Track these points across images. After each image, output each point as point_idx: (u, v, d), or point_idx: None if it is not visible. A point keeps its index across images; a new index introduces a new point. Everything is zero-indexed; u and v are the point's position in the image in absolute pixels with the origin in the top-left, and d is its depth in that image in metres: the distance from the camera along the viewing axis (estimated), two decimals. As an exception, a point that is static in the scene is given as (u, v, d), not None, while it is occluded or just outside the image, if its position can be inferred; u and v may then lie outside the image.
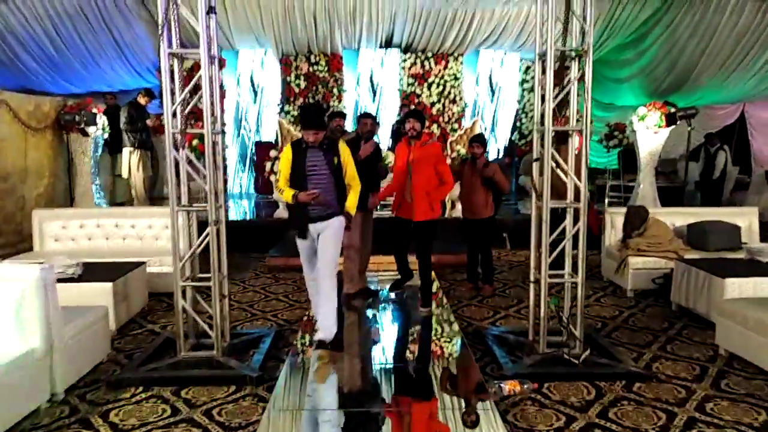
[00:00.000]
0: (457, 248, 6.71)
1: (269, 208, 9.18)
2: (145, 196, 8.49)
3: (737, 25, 9.95)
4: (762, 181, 10.56)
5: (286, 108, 11.13)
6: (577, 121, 3.97)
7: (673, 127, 8.21)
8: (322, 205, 4.03)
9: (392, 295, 5.52)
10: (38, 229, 6.16)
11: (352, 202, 4.19)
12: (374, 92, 11.54)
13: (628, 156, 10.15)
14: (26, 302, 3.26)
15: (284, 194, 4.08)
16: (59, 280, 4.51)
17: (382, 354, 4.24)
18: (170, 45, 3.78)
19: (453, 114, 11.41)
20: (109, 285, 4.60)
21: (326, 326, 4.08)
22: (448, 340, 4.52)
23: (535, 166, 4.09)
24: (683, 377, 3.82)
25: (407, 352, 4.42)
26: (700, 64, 10.84)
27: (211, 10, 3.80)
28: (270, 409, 3.20)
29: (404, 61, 11.30)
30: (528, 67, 11.88)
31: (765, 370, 3.78)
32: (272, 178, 8.22)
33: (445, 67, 11.36)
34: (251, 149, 11.61)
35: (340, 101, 11.25)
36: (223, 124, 10.94)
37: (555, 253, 3.96)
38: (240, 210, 10.18)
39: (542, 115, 3.95)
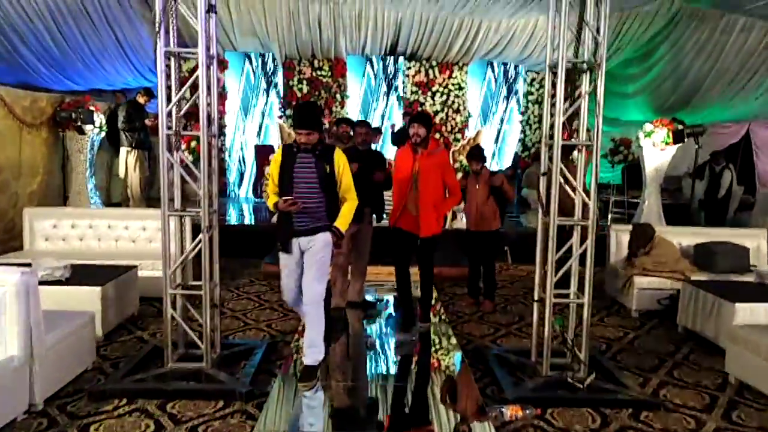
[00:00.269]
0: (458, 260, 6.56)
1: (268, 213, 9.02)
2: (141, 196, 8.33)
3: (745, 45, 9.85)
4: (767, 201, 10.42)
5: (288, 112, 11.00)
6: (588, 137, 3.82)
7: (680, 144, 8.08)
8: (310, 217, 3.64)
9: (389, 310, 5.36)
10: (29, 227, 6.00)
11: (344, 218, 3.72)
12: (377, 99, 11.42)
13: (633, 172, 10.01)
14: (5, 308, 3.10)
15: (269, 200, 3.79)
16: (46, 283, 4.41)
17: (378, 373, 4.07)
18: (168, 43, 3.64)
19: (456, 124, 11.29)
20: (97, 289, 4.44)
21: (313, 351, 3.68)
22: (448, 359, 4.36)
23: (543, 180, 3.94)
24: (692, 406, 3.66)
25: (405, 371, 4.24)
26: (706, 82, 10.73)
27: (211, 8, 3.66)
28: (257, 430, 3.02)
29: (408, 68, 11.19)
30: (533, 79, 11.78)
31: (778, 401, 3.63)
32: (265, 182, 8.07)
33: (450, 77, 11.26)
34: (252, 153, 11.48)
35: (342, 107, 11.14)
36: (224, 126, 10.89)
37: (561, 272, 3.81)
38: (238, 213, 10.02)
39: (550, 128, 3.81)
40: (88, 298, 4.39)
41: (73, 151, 7.74)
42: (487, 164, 5.64)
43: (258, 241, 7.53)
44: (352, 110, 11.31)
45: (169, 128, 3.69)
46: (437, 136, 11.16)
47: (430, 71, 11.19)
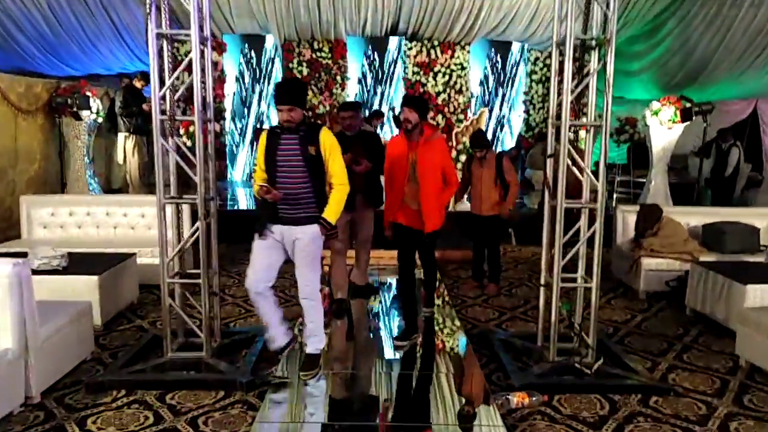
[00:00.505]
0: (462, 243, 6.45)
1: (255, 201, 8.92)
2: (141, 182, 8.23)
3: (754, 21, 9.61)
4: (775, 179, 10.27)
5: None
6: (599, 115, 3.68)
7: (688, 123, 7.91)
8: (295, 204, 3.33)
9: (393, 294, 5.28)
10: (26, 215, 5.91)
11: (332, 208, 3.37)
12: (379, 81, 11.25)
13: (639, 151, 9.86)
14: (-2, 299, 3.02)
15: (254, 186, 3.51)
16: (43, 272, 4.34)
17: (381, 360, 3.99)
18: (159, 25, 3.50)
19: (459, 104, 11.11)
20: (95, 278, 4.36)
21: (314, 340, 3.56)
22: (453, 344, 4.28)
23: (549, 162, 3.83)
24: (702, 391, 3.58)
25: (409, 357, 4.13)
26: (714, 59, 10.51)
27: (203, -13, 3.52)
28: (258, 420, 2.96)
29: (410, 49, 10.99)
30: (536, 58, 11.57)
31: (791, 385, 3.55)
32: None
33: (452, 57, 11.05)
34: (251, 136, 11.34)
35: (343, 89, 10.96)
36: (223, 110, 10.75)
37: (569, 256, 3.71)
38: (239, 198, 9.92)
39: (557, 108, 3.68)
40: (85, 287, 4.31)
41: (70, 137, 7.63)
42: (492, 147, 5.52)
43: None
44: (353, 92, 11.14)
45: (164, 113, 3.58)
46: (440, 117, 11.00)
47: (432, 51, 10.98)
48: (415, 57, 10.99)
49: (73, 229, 5.94)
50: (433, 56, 10.99)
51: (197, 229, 3.64)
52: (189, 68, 3.55)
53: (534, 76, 11.61)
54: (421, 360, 4.05)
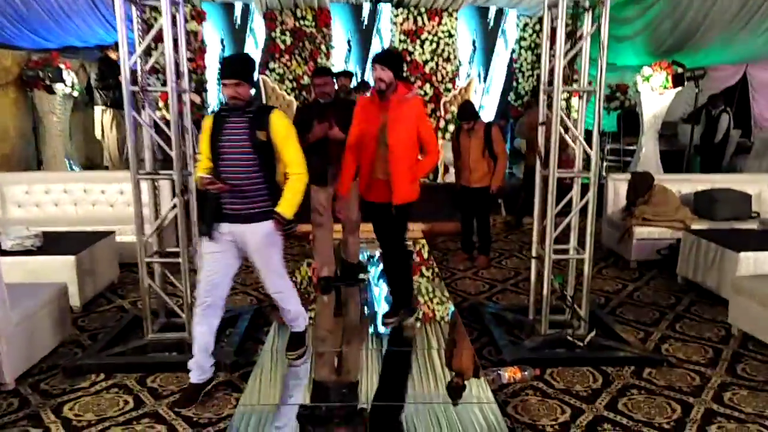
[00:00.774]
0: (451, 215, 6.34)
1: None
2: (120, 158, 7.99)
3: (746, -18, 9.41)
4: (765, 145, 10.21)
5: (271, 66, 10.54)
6: (589, 83, 3.54)
7: (680, 88, 7.77)
8: (243, 198, 2.91)
9: (381, 269, 5.17)
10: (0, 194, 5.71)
11: (288, 201, 2.95)
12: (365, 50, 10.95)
13: (629, 118, 9.73)
14: (-37, 284, 2.87)
15: (194, 177, 3.05)
16: (16, 254, 4.18)
17: (368, 338, 3.89)
18: (126, -12, 3.29)
19: (447, 73, 10.88)
20: (71, 258, 4.20)
21: (299, 321, 3.37)
22: (442, 318, 4.19)
23: (541, 130, 3.69)
24: (696, 361, 3.53)
25: (397, 333, 4.01)
26: (705, 23, 10.32)
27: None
28: (242, 403, 2.86)
29: (396, 16, 10.69)
30: (525, 24, 11.31)
31: (784, 353, 3.50)
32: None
33: (439, 24, 10.77)
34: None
35: (328, 58, 10.67)
36: (205, 82, 10.43)
37: (561, 228, 3.60)
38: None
39: (549, 73, 3.54)
40: (61, 267, 4.16)
41: (45, 112, 7.35)
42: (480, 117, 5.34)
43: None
44: (338, 61, 10.85)
45: (135, 84, 3.38)
46: (428, 86, 10.77)
47: (419, 18, 10.70)
48: (401, 25, 10.70)
49: (50, 208, 5.75)
50: (420, 24, 10.71)
51: (174, 205, 3.48)
52: (160, 36, 3.35)
53: (523, 43, 11.37)
54: (410, 336, 3.96)
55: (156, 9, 3.50)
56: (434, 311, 4.32)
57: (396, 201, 3.61)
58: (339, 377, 3.34)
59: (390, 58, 3.54)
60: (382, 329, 3.89)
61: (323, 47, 10.61)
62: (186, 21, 9.34)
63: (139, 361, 3.43)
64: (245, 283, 5.04)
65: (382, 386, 3.12)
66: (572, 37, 3.63)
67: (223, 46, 10.77)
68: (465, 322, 4.01)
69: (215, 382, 3.19)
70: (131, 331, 3.80)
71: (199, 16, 10.12)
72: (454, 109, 8.40)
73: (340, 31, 10.80)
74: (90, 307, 4.43)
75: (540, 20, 10.80)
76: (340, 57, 10.87)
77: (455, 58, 10.95)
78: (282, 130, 2.95)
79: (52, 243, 4.42)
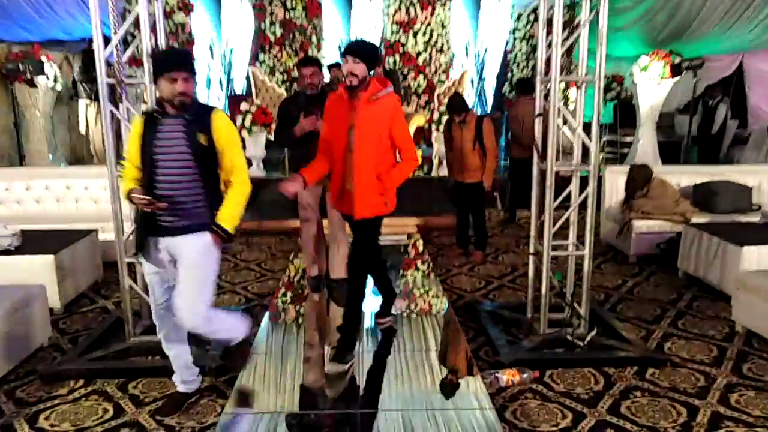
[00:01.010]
0: (445, 209, 6.19)
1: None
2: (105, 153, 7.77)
3: (744, -30, 9.27)
4: (762, 136, 10.10)
5: (261, 57, 10.34)
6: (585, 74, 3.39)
7: (677, 78, 7.64)
8: (180, 210, 2.57)
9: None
10: (-22, 192, 5.52)
11: (229, 211, 2.62)
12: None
13: (625, 109, 9.59)
14: (-72, 288, 2.70)
15: (122, 188, 2.67)
16: (-7, 253, 4.00)
17: (357, 340, 3.72)
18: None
19: (440, 64, 10.71)
20: (50, 258, 4.04)
21: (234, 337, 2.98)
22: (437, 316, 4.04)
23: (538, 122, 3.54)
24: (700, 360, 3.40)
25: (388, 336, 3.83)
26: (702, 12, 10.20)
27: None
28: (227, 411, 2.71)
29: (388, 7, 10.50)
30: (520, 15, 11.14)
31: (791, 352, 3.38)
32: (243, 133, 7.55)
33: (432, 14, 10.59)
34: (225, 103, 10.86)
35: (319, 50, 10.48)
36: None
37: (560, 223, 3.46)
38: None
39: (546, 63, 3.39)
40: (40, 267, 4.00)
41: (27, 106, 7.14)
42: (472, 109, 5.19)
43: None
44: (330, 53, 10.65)
45: (111, 76, 3.21)
46: (421, 78, 10.59)
47: (411, 9, 10.51)
48: (394, 15, 10.51)
49: (31, 205, 5.57)
50: (412, 14, 10.53)
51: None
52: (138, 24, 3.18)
53: (518, 33, 11.20)
54: (404, 336, 3.80)
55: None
56: (429, 309, 4.17)
57: (358, 214, 3.12)
58: (329, 382, 3.18)
59: (364, 49, 3.06)
60: (374, 330, 3.74)
61: (314, 38, 10.42)
62: (173, 12, 9.16)
63: (120, 366, 3.28)
64: (233, 281, 4.89)
65: (374, 391, 2.98)
66: (568, 26, 3.49)
67: (213, 40, 10.56)
68: (461, 320, 3.87)
69: (200, 388, 3.04)
70: (113, 334, 3.64)
71: (186, 8, 9.90)
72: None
73: (331, 22, 10.61)
74: (71, 308, 4.27)
75: (534, 11, 10.63)
76: (332, 49, 10.68)
77: (449, 48, 10.79)
78: (226, 132, 2.62)
79: (30, 242, 4.25)
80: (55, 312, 4.09)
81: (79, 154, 9.10)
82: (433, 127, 9.35)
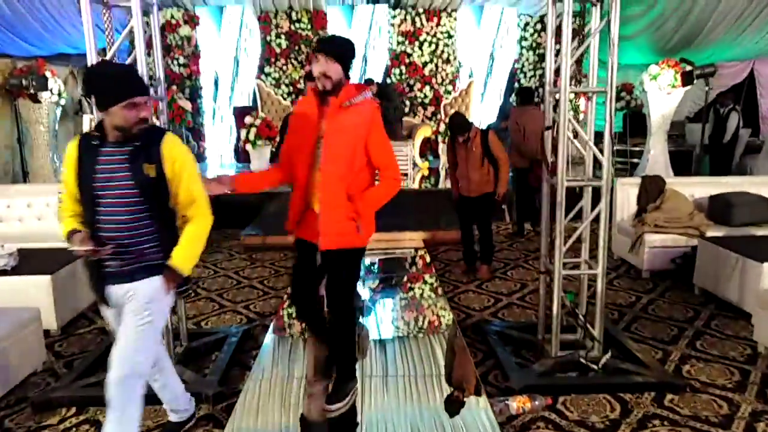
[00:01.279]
0: (452, 223, 6.05)
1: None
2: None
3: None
4: (775, 144, 9.90)
5: (267, 70, 10.30)
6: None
7: (689, 87, 7.48)
8: (125, 252, 2.22)
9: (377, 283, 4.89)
10: (-20, 209, 5.46)
11: (184, 250, 2.28)
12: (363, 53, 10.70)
13: (635, 119, 9.43)
14: None
15: (62, 226, 2.30)
16: (-12, 274, 3.91)
17: (360, 359, 3.58)
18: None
19: (447, 75, 10.62)
20: (46, 278, 3.94)
21: (182, 407, 2.80)
22: (444, 335, 3.90)
23: (547, 135, 3.41)
24: (722, 385, 3.23)
25: (392, 356, 3.69)
26: (711, 19, 10.06)
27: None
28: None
29: (393, 17, 10.44)
30: (527, 24, 11.05)
31: (818, 375, 3.21)
32: (248, 147, 7.48)
33: (438, 24, 10.52)
34: (231, 115, 10.80)
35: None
36: (199, 89, 10.17)
37: (571, 240, 3.31)
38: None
39: (555, 73, 3.26)
40: (36, 288, 3.90)
41: (31, 121, 7.10)
42: (475, 125, 5.04)
43: (238, 211, 7.01)
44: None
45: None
46: (427, 89, 10.49)
47: (417, 19, 10.45)
48: (399, 26, 10.45)
49: (32, 222, 5.50)
50: (418, 25, 10.47)
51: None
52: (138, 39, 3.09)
53: (524, 43, 11.10)
54: (411, 362, 3.66)
55: (108, 4, 3.23)
56: (437, 329, 4.03)
57: (323, 244, 2.65)
58: (330, 411, 3.04)
59: (339, 47, 2.61)
60: (378, 354, 3.60)
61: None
62: (178, 25, 9.15)
63: (113, 393, 3.14)
64: (235, 299, 4.77)
65: (379, 420, 2.83)
66: (578, 35, 3.37)
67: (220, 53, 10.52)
68: (468, 341, 3.72)
69: (196, 416, 2.91)
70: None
71: (192, 21, 9.90)
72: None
73: (337, 33, 10.56)
74: (69, 330, 4.16)
75: (542, 19, 10.53)
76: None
77: (455, 59, 10.70)
78: (178, 160, 2.23)
79: (28, 262, 4.17)
80: (52, 334, 4.00)
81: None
82: (440, 138, 9.24)
